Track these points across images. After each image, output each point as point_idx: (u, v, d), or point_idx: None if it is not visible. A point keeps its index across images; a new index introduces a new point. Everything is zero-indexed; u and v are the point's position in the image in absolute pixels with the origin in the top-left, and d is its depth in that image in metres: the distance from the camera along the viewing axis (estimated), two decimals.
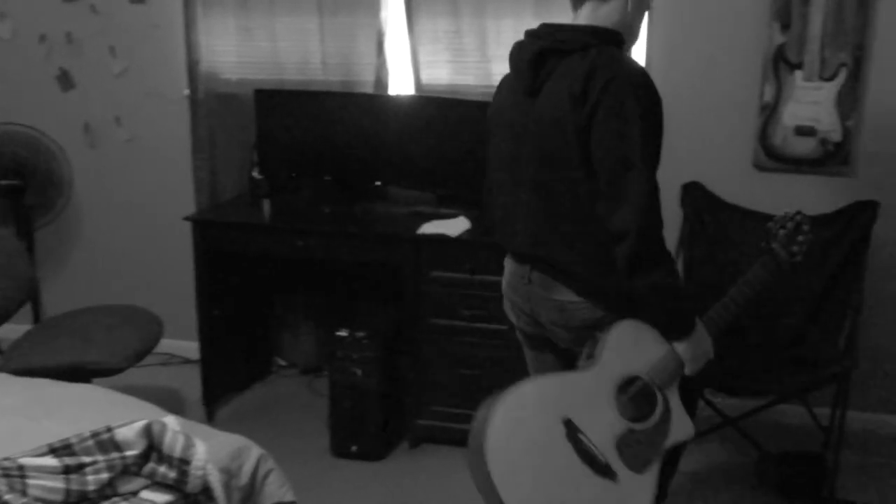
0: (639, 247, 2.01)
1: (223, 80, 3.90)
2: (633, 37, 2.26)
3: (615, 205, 2.02)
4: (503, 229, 2.37)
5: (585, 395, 2.11)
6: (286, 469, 2.34)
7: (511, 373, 3.22)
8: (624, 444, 2.09)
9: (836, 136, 3.37)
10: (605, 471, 2.06)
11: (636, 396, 2.15)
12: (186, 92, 3.93)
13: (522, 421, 2.08)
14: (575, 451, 2.06)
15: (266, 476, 2.25)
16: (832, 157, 3.39)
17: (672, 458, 2.52)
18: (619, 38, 2.17)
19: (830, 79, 3.34)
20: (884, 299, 3.40)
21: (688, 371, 2.17)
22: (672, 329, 2.15)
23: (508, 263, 2.40)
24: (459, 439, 3.43)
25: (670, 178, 2.20)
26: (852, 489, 3.16)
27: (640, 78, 2.04)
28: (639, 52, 3.48)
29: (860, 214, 3.17)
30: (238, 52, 3.86)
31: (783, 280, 2.37)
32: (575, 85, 2.05)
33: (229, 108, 3.92)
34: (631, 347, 2.16)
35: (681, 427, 2.15)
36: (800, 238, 2.34)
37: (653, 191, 2.02)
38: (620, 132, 2.01)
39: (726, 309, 2.26)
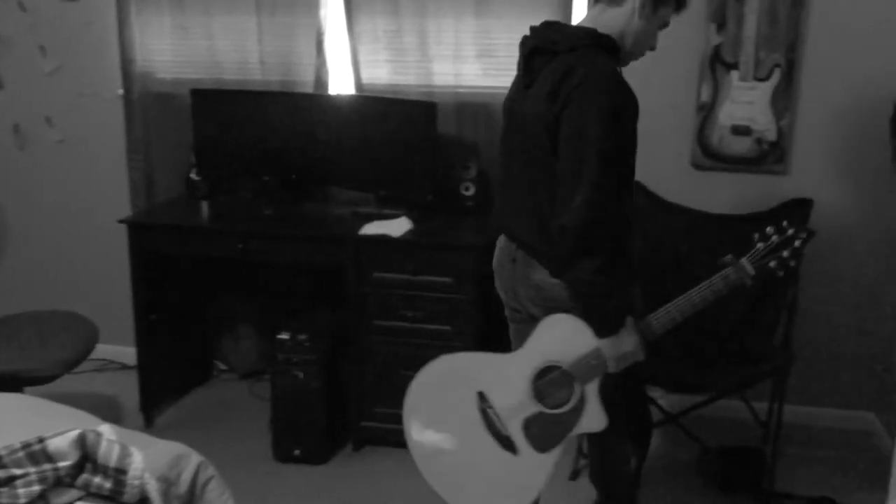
0: (573, 242, 2.10)
1: (158, 80, 3.83)
2: (637, 49, 2.32)
3: (565, 199, 2.11)
4: (498, 209, 2.49)
5: (504, 374, 2.33)
6: (227, 475, 2.30)
7: None
8: (532, 424, 2.29)
9: (771, 136, 3.43)
10: (505, 443, 2.31)
11: (553, 383, 2.29)
12: (120, 91, 3.85)
13: (442, 385, 2.40)
14: (482, 420, 2.33)
15: (206, 484, 2.21)
16: (767, 156, 3.46)
17: (642, 444, 2.70)
18: (612, 45, 2.25)
19: (765, 79, 3.40)
20: (817, 296, 3.47)
21: (610, 369, 2.23)
22: (595, 325, 2.22)
23: (500, 241, 2.49)
24: (403, 441, 3.43)
25: None
26: (790, 481, 3.22)
27: (608, 83, 2.13)
28: None
29: (795, 212, 3.22)
30: (174, 51, 3.79)
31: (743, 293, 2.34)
32: (552, 83, 2.15)
33: (165, 108, 3.84)
34: (560, 338, 2.27)
35: (593, 419, 2.26)
36: (784, 254, 2.24)
37: (600, 190, 2.09)
38: (581, 132, 2.10)
39: (668, 316, 2.26)
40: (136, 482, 1.97)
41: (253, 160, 3.71)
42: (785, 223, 2.26)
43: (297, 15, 3.65)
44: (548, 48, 2.25)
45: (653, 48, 2.36)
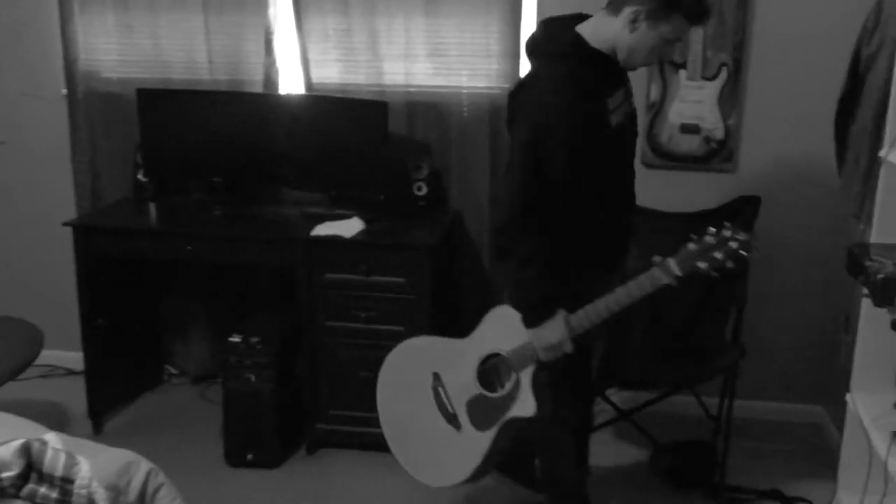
0: (497, 241, 2.41)
1: (104, 80, 3.76)
2: (632, 61, 2.37)
3: (496, 204, 2.42)
4: None
5: (456, 358, 2.58)
6: (179, 482, 2.26)
7: None
8: (474, 405, 2.54)
9: (719, 134, 3.47)
10: (451, 419, 2.58)
11: (494, 370, 2.53)
12: (64, 91, 3.77)
13: (407, 363, 2.73)
14: (433, 397, 2.61)
15: (156, 491, 2.17)
16: (716, 154, 3.50)
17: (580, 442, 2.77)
18: (592, 56, 2.32)
19: (712, 78, 3.44)
20: (765, 291, 3.52)
21: (541, 357, 2.41)
22: (522, 317, 2.41)
23: None
24: (358, 442, 3.42)
25: None
26: (741, 475, 3.26)
27: (540, 108, 2.28)
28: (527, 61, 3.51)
29: (743, 209, 3.27)
30: (119, 50, 3.72)
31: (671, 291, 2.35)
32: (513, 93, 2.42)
33: (111, 108, 3.77)
34: (503, 328, 2.48)
35: (523, 405, 2.46)
36: (717, 255, 2.21)
37: (516, 203, 2.31)
38: (512, 150, 2.36)
39: (597, 313, 2.35)
40: (84, 491, 1.93)
41: (201, 161, 3.66)
42: (727, 224, 2.24)
43: (246, 13, 3.60)
44: (532, 49, 2.39)
45: (669, 59, 2.39)
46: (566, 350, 2.38)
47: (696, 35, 3.39)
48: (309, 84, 3.65)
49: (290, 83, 3.73)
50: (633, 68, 2.40)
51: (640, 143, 3.52)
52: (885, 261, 2.22)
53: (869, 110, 2.84)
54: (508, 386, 2.47)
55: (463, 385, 2.54)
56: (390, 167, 3.45)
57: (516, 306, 2.42)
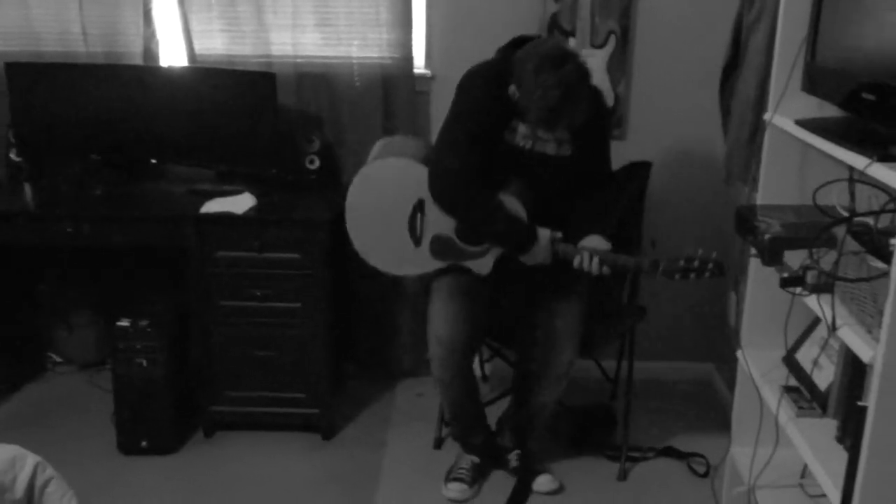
0: (434, 187, 2.80)
1: None
2: None
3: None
4: None
5: None
6: (69, 474, 2.16)
7: (308, 352, 3.15)
8: (438, 240, 2.86)
9: (609, 101, 3.51)
10: (415, 239, 2.88)
11: None
12: None
13: (396, 177, 2.92)
14: (409, 216, 2.87)
15: (45, 486, 2.07)
16: None
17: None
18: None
19: (601, 46, 3.47)
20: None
21: (523, 261, 2.79)
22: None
23: None
24: (257, 423, 3.35)
25: None
26: (637, 434, 3.33)
27: (467, 74, 2.80)
28: (419, 31, 3.51)
29: (635, 175, 3.32)
30: None
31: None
32: None
33: None
34: None
35: (482, 265, 2.86)
36: (691, 276, 2.65)
37: (445, 146, 2.79)
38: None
39: (574, 250, 2.71)
40: None
41: (79, 138, 3.48)
42: (714, 255, 2.63)
43: None
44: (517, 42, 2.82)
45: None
46: (546, 263, 2.78)
47: (584, 1, 3.41)
48: (192, 56, 3.50)
49: (172, 55, 3.58)
50: None
51: None
52: (772, 221, 2.27)
53: (751, 76, 2.91)
54: (479, 249, 2.84)
55: (439, 224, 2.85)
56: (281, 141, 3.36)
57: (502, 246, 2.80)
